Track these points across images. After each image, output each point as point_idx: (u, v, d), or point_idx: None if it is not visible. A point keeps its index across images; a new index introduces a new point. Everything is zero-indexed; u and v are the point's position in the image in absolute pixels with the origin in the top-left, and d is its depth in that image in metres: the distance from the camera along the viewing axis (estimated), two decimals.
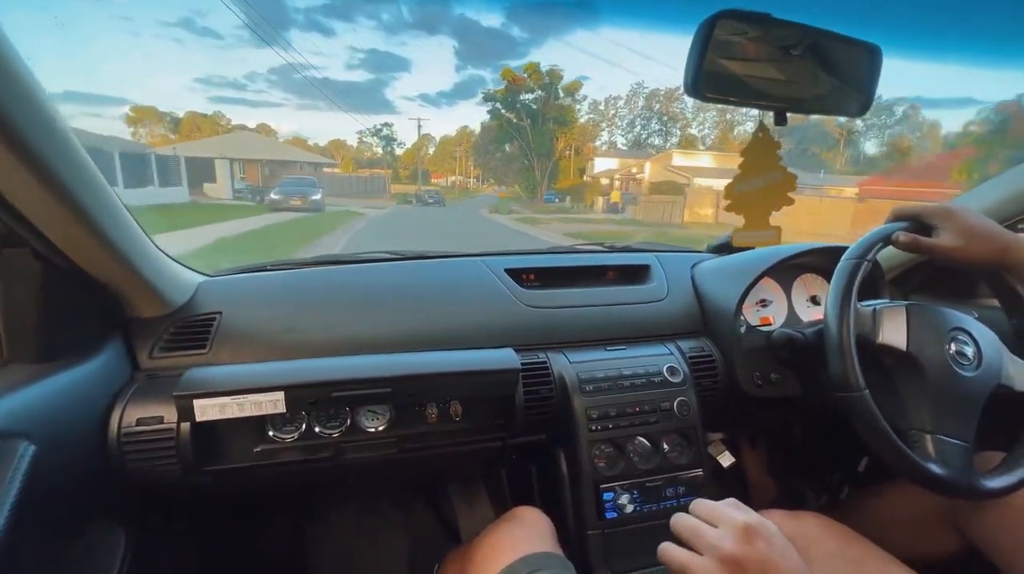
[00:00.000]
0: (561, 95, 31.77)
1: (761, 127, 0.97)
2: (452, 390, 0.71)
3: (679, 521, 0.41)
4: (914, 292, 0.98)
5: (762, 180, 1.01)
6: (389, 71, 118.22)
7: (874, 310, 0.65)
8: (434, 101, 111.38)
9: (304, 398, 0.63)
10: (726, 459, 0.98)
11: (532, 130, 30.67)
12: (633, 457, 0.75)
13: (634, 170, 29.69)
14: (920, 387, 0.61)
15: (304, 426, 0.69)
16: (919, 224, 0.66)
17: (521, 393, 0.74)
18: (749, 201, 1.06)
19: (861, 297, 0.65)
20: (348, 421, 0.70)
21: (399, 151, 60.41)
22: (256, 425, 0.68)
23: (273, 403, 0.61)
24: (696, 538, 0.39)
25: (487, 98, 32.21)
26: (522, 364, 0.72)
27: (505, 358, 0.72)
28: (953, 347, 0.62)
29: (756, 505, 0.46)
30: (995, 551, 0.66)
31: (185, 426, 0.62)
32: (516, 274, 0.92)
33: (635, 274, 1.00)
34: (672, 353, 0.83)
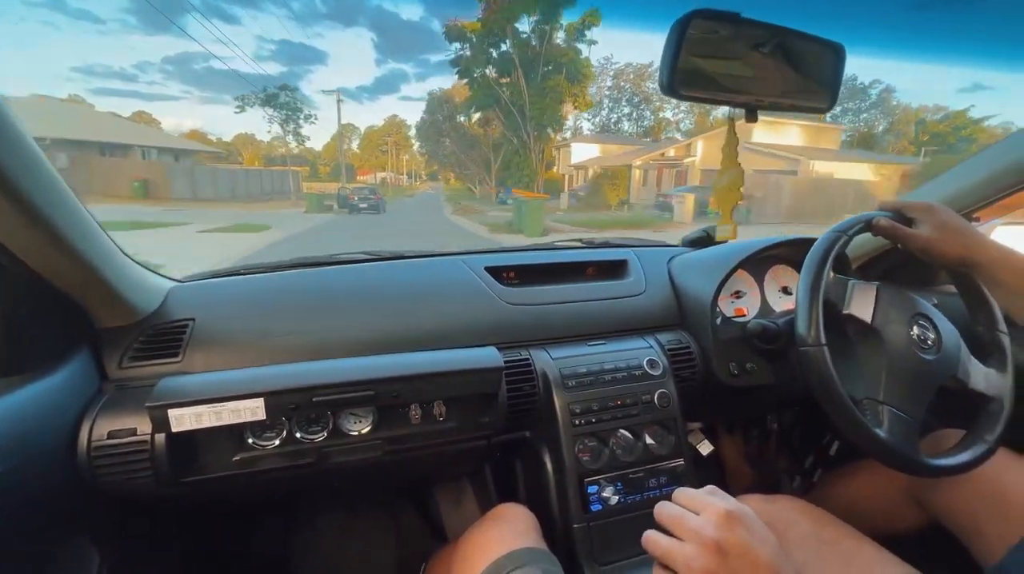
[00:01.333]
0: (564, 37, 18.39)
1: (730, 124, 1.00)
2: (435, 390, 0.71)
3: (662, 509, 0.42)
4: (877, 279, 1.03)
5: (728, 175, 1.07)
6: (304, 64, 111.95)
7: (847, 282, 0.68)
8: (355, 96, 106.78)
9: (285, 404, 0.62)
10: (705, 447, 1.01)
11: (528, 86, 18.36)
12: (616, 450, 0.76)
13: (672, 152, 20.55)
14: (879, 360, 0.64)
15: (285, 432, 0.67)
16: (900, 216, 0.69)
17: (504, 391, 0.74)
18: (720, 195, 1.12)
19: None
20: (331, 425, 0.69)
21: (308, 125, 46.20)
22: (235, 433, 0.66)
23: (252, 410, 0.60)
24: (679, 526, 0.40)
25: (451, 36, 18.56)
26: (505, 362, 0.72)
27: (488, 356, 0.72)
28: (916, 330, 0.65)
29: (734, 490, 0.47)
30: (955, 524, 0.71)
31: (160, 437, 0.60)
32: (496, 272, 0.92)
33: (613, 269, 1.02)
34: (651, 346, 0.85)
